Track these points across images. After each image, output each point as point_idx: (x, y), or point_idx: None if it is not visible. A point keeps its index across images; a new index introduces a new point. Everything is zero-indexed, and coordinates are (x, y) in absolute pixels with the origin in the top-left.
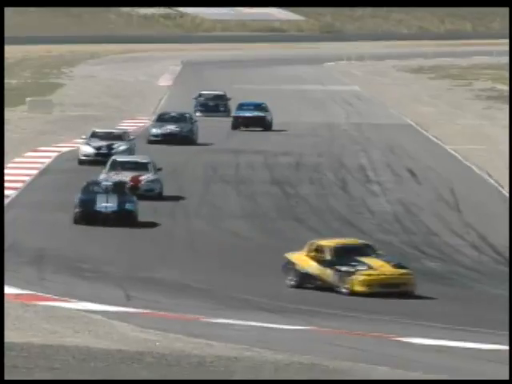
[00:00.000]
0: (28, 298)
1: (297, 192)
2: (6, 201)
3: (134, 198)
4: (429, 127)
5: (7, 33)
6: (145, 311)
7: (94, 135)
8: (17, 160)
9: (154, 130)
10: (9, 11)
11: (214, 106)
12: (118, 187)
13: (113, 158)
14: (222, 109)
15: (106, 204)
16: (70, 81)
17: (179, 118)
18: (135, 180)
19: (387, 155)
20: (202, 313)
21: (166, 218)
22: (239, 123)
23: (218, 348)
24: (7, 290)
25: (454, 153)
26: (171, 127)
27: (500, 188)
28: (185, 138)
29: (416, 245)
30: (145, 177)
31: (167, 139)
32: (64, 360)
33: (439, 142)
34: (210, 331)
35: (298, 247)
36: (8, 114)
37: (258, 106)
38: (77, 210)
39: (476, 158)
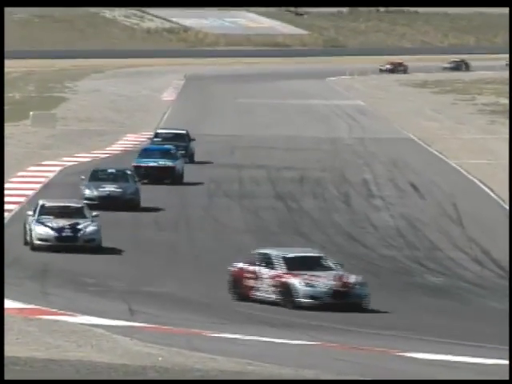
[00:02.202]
0: (31, 312)
1: (300, 206)
2: (10, 215)
3: None
4: (432, 142)
5: (11, 47)
6: (148, 325)
7: (45, 211)
8: (20, 174)
9: (89, 192)
10: (12, 25)
11: None
12: None
13: None
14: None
15: None
16: (73, 95)
17: (119, 176)
18: (343, 283)
19: (390, 170)
20: (205, 327)
21: (169, 232)
22: (140, 175)
23: (222, 362)
24: (11, 304)
25: (457, 167)
26: (110, 188)
27: (503, 203)
28: (129, 202)
29: (419, 259)
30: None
31: (105, 203)
32: (67, 374)
33: (442, 157)
34: (213, 346)
35: None
36: (12, 128)
37: (166, 152)
38: None
39: (479, 173)
